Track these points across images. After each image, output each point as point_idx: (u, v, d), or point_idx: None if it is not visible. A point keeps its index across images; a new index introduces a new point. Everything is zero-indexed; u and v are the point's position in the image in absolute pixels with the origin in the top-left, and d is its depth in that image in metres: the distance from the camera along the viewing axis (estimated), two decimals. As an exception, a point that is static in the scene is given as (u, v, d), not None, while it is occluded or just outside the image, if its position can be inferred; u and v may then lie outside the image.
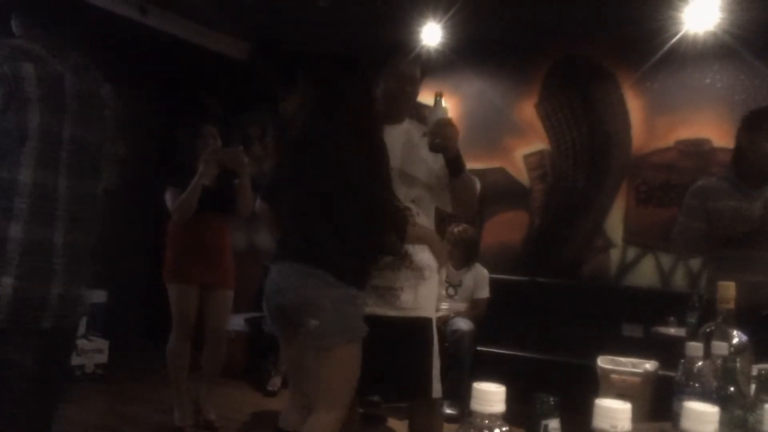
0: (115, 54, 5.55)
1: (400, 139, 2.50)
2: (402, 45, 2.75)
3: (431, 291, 2.55)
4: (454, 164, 2.36)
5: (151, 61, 6.30)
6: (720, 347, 1.52)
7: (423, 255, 2.47)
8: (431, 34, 5.21)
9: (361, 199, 2.19)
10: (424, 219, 2.51)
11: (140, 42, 5.82)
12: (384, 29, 5.00)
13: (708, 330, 1.72)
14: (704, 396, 1.40)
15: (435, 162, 2.46)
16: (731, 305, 1.71)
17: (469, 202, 2.55)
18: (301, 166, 2.30)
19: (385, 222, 2.23)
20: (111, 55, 5.51)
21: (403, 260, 2.43)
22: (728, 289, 1.71)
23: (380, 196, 2.22)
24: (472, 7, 4.76)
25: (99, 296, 4.85)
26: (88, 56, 1.96)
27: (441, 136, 2.28)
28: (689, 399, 1.12)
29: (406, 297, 2.44)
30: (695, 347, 1.51)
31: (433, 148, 2.32)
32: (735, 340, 1.67)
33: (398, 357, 2.37)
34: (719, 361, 1.49)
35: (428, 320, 2.51)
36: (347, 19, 5.19)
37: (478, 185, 2.51)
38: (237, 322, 5.31)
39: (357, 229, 2.18)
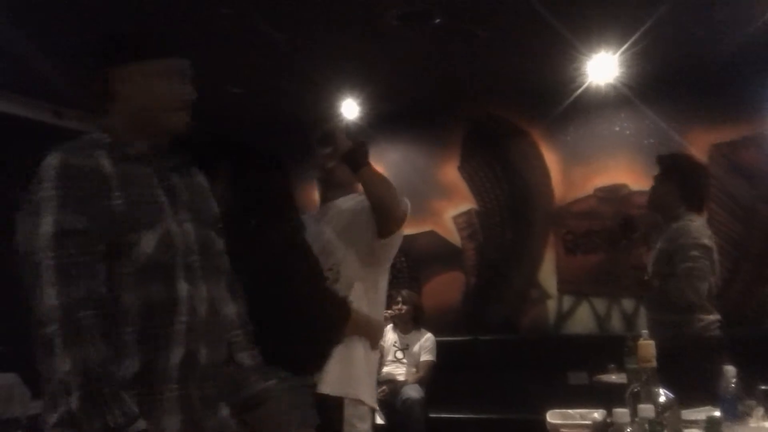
0: None
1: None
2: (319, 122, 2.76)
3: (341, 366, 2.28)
4: (352, 157, 2.25)
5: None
6: (646, 410, 1.55)
7: None
8: (349, 110, 5.31)
9: (294, 296, 2.05)
10: (344, 283, 2.33)
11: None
12: (302, 109, 5.10)
13: (635, 390, 1.75)
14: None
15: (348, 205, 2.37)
16: (653, 363, 1.75)
17: (385, 198, 2.28)
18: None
19: (324, 317, 2.12)
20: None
21: None
22: (648, 349, 1.76)
23: (313, 289, 2.12)
24: (385, 81, 4.89)
25: None
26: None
27: (324, 129, 2.32)
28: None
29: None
30: (621, 414, 1.54)
31: (319, 140, 2.30)
32: (662, 399, 1.71)
33: None
34: (646, 426, 1.52)
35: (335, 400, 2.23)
36: (263, 101, 5.25)
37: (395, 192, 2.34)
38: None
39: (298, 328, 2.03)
